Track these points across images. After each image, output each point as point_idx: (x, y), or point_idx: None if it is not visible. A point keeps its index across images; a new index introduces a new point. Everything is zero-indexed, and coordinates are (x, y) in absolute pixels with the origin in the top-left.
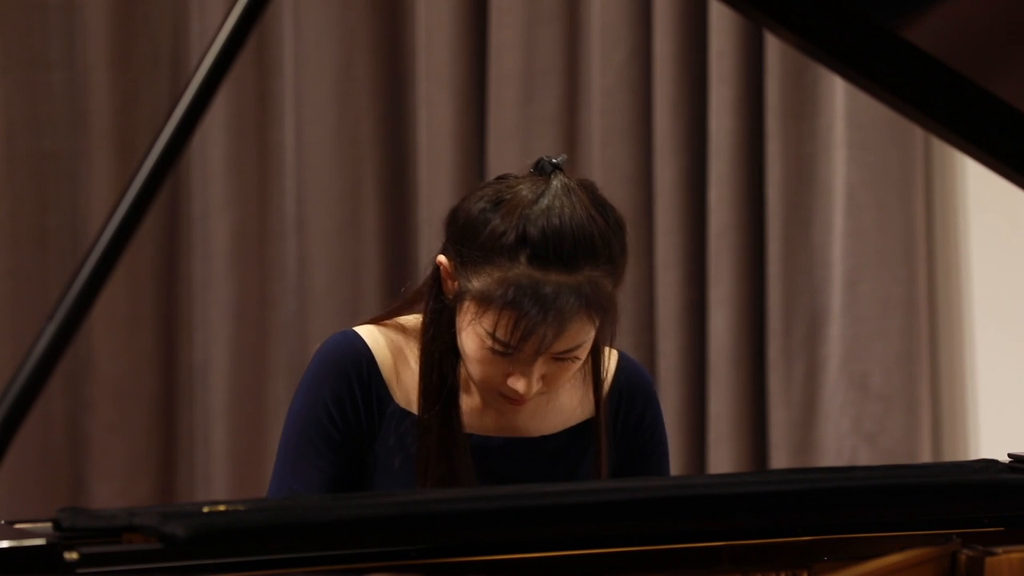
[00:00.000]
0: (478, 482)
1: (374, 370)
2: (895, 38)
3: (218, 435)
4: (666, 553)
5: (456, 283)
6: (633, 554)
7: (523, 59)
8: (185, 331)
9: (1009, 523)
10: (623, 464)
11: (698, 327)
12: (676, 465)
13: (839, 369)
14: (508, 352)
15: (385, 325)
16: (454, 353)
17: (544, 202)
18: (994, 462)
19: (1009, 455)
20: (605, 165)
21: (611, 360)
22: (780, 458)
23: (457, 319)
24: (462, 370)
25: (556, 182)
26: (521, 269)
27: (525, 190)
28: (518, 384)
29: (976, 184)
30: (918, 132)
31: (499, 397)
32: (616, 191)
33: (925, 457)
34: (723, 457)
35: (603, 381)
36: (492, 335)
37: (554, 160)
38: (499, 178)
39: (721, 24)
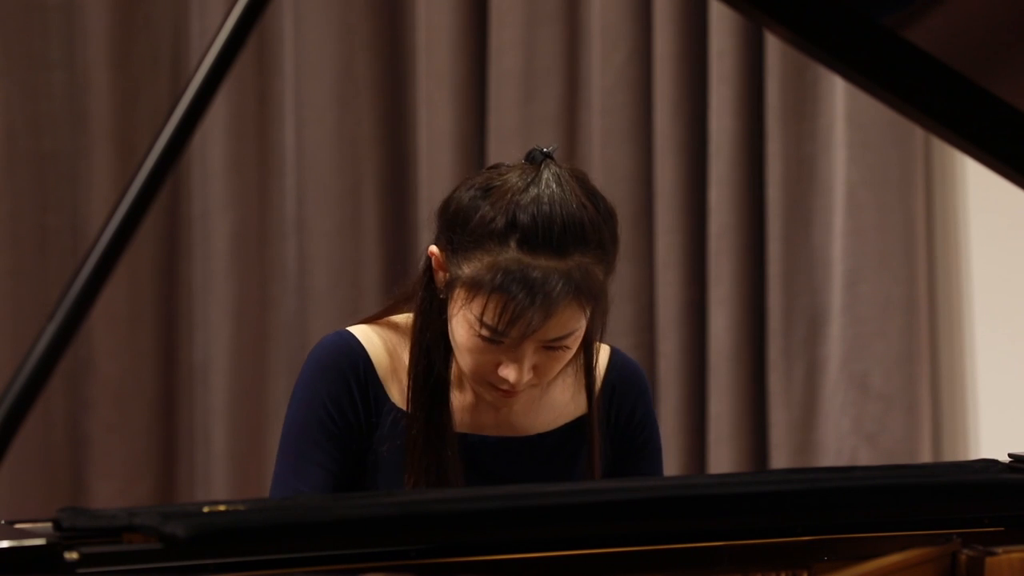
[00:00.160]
0: (471, 481)
1: (370, 369)
2: (895, 38)
3: (218, 435)
4: (666, 553)
5: (447, 272)
6: (633, 554)
7: (523, 59)
8: (185, 331)
9: (1009, 523)
10: (615, 460)
11: (698, 327)
12: (676, 465)
13: (839, 369)
14: (497, 338)
15: (379, 324)
16: (444, 345)
17: (535, 189)
18: (994, 462)
19: (1009, 455)
20: (605, 165)
21: (603, 356)
22: (780, 458)
23: (448, 309)
24: (455, 366)
25: (546, 170)
26: (511, 254)
27: (515, 178)
28: (508, 373)
29: (976, 184)
30: (918, 132)
31: (491, 389)
32: (616, 191)
33: (925, 457)
34: (723, 457)
35: (595, 377)
36: (481, 320)
37: (545, 150)
38: (489, 168)
39: (721, 24)
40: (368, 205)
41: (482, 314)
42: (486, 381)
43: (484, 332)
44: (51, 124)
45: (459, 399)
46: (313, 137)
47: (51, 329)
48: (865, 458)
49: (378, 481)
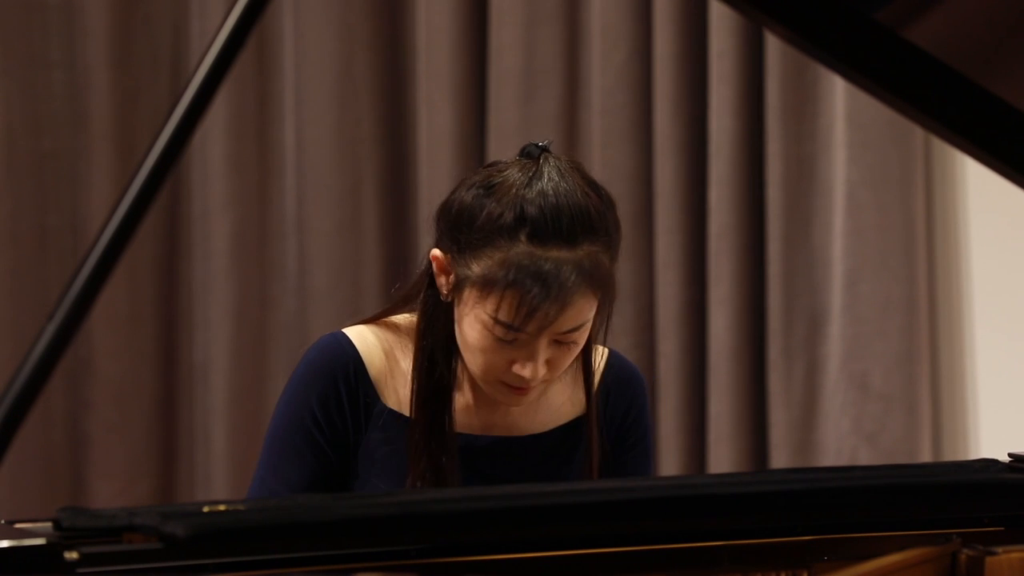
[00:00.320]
0: (467, 481)
1: (361, 371)
2: (895, 38)
3: (218, 435)
4: (666, 553)
5: (452, 275)
6: (633, 554)
7: (523, 59)
8: (185, 331)
9: (1009, 523)
10: (608, 458)
11: (698, 327)
12: (676, 465)
13: (839, 369)
14: (512, 336)
15: (376, 325)
16: (448, 348)
17: (538, 182)
18: (994, 462)
19: (1009, 455)
20: (605, 165)
21: (601, 357)
22: (780, 458)
23: (456, 311)
24: (458, 368)
25: (546, 163)
26: (521, 248)
27: (517, 173)
28: (524, 370)
29: (976, 184)
30: (918, 132)
31: (502, 388)
32: (616, 191)
33: (925, 457)
34: (723, 457)
35: (593, 377)
36: (495, 319)
37: (541, 144)
38: (486, 166)
39: (721, 24)
40: (368, 205)
41: (496, 311)
42: (499, 381)
43: (499, 330)
44: (51, 124)
45: (457, 400)
46: (313, 137)
47: (51, 329)
48: (865, 458)
49: (371, 482)
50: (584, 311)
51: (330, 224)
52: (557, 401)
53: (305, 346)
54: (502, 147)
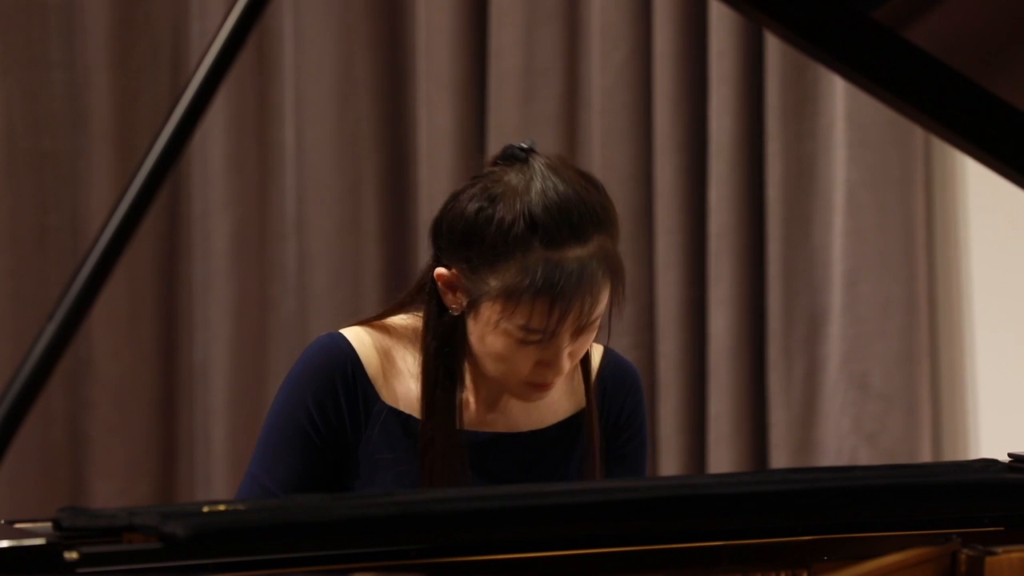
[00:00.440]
0: (469, 480)
1: (359, 370)
2: (895, 38)
3: (218, 435)
4: (666, 553)
5: (464, 292)
6: (633, 554)
7: (523, 59)
8: (185, 331)
9: (1009, 523)
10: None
11: (698, 327)
12: (676, 465)
13: (839, 369)
14: (544, 339)
15: (373, 326)
16: (453, 356)
17: (537, 184)
18: (994, 462)
19: (1009, 455)
20: (605, 165)
21: (596, 355)
22: (780, 458)
23: (473, 326)
24: (463, 369)
25: (537, 163)
26: (538, 253)
27: (513, 179)
28: (552, 368)
29: (976, 184)
30: (918, 132)
31: (526, 388)
32: (616, 191)
33: (925, 457)
34: (723, 457)
35: (591, 374)
36: (526, 327)
37: (524, 145)
38: (475, 178)
39: (721, 24)
40: (368, 205)
41: (528, 320)
42: (524, 381)
43: (530, 337)
44: (51, 124)
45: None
46: (313, 137)
47: (51, 329)
48: (865, 458)
49: (375, 481)
50: (604, 300)
51: (330, 224)
52: (555, 397)
53: (305, 346)
54: (502, 147)
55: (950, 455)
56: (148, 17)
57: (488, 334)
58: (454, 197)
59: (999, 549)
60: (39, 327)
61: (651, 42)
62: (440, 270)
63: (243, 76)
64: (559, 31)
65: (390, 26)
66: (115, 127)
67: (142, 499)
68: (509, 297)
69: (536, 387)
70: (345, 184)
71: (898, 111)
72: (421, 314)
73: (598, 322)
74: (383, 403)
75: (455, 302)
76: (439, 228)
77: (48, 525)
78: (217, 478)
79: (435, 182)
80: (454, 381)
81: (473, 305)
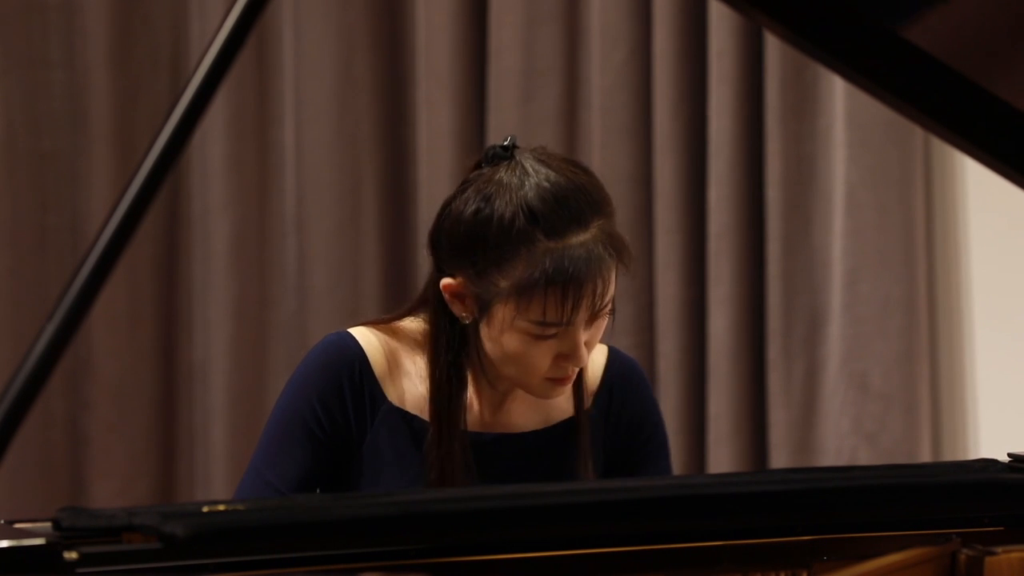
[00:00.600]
0: (469, 478)
1: (367, 369)
2: (895, 38)
3: (218, 435)
4: (666, 553)
5: (474, 298)
6: (633, 554)
7: (523, 59)
8: (185, 331)
9: (1009, 523)
10: (622, 458)
11: (698, 327)
12: (676, 465)
13: (839, 369)
14: (559, 331)
15: (379, 327)
16: (459, 361)
17: (529, 178)
18: (994, 462)
19: (1009, 455)
20: (605, 165)
21: (600, 355)
22: (780, 458)
23: (486, 331)
24: (466, 372)
25: (523, 158)
26: (543, 246)
27: (504, 176)
28: (572, 359)
29: (976, 184)
30: (918, 132)
31: (546, 384)
32: (616, 191)
33: (925, 457)
34: (723, 457)
35: (584, 377)
36: (542, 321)
37: (504, 143)
38: (465, 183)
39: (721, 24)
40: (368, 205)
41: (543, 313)
42: (544, 378)
43: (547, 331)
44: (51, 124)
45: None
46: (313, 137)
47: (51, 329)
48: (865, 458)
49: (381, 480)
50: (613, 282)
51: (330, 224)
52: (557, 398)
53: (305, 346)
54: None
55: (950, 455)
56: (148, 17)
57: (504, 335)
58: (447, 205)
59: (999, 549)
60: (39, 327)
61: (651, 42)
62: (446, 281)
63: (243, 76)
64: (559, 31)
65: (390, 26)
66: (115, 127)
67: (142, 499)
68: (521, 294)
69: (557, 382)
70: (345, 184)
71: (898, 111)
72: (427, 317)
73: (610, 306)
74: (390, 403)
75: (465, 310)
76: (437, 239)
77: (48, 525)
78: (217, 478)
79: (435, 182)
80: (461, 386)
81: (485, 309)
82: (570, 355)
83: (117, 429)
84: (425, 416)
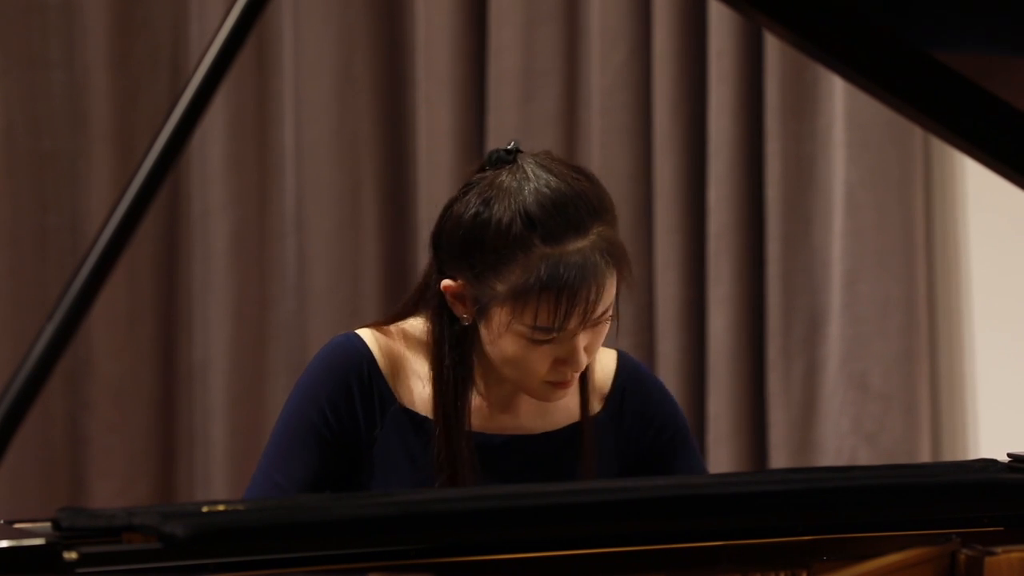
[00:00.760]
0: (480, 481)
1: (375, 371)
2: (894, 38)
3: (218, 435)
4: (666, 553)
5: (472, 301)
6: (633, 554)
7: (523, 59)
8: (185, 331)
9: (1009, 523)
10: (645, 456)
11: (698, 327)
12: None
13: (838, 369)
14: (554, 336)
15: (382, 330)
16: (465, 362)
17: (529, 183)
18: (994, 462)
19: (1009, 455)
20: (605, 165)
21: (610, 360)
22: (780, 458)
23: (485, 332)
24: (474, 374)
25: (525, 162)
26: (539, 251)
27: (505, 180)
28: (569, 364)
29: (976, 184)
30: (918, 132)
31: (545, 388)
32: (616, 191)
33: (925, 457)
34: (723, 457)
35: (590, 381)
36: (535, 326)
37: (508, 147)
38: (467, 186)
39: (721, 24)
40: (368, 205)
41: (536, 319)
42: (543, 382)
43: (540, 335)
44: (51, 124)
45: (471, 402)
46: (313, 137)
47: (50, 329)
48: (865, 458)
49: (391, 481)
50: (612, 290)
51: (330, 224)
52: (565, 400)
53: (305, 346)
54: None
55: (949, 455)
56: (148, 17)
57: (501, 338)
58: (448, 207)
59: (999, 549)
60: (39, 327)
61: (651, 42)
62: (446, 282)
63: (243, 76)
64: (559, 31)
65: (390, 26)
66: (115, 127)
67: (142, 499)
68: (516, 298)
69: (556, 386)
70: (345, 184)
71: (898, 111)
72: (428, 316)
73: (610, 313)
74: (398, 404)
75: (465, 312)
76: (439, 240)
77: (48, 525)
78: (217, 478)
79: (435, 182)
80: (466, 387)
81: (483, 312)
82: (568, 360)
83: (117, 429)
84: (432, 417)
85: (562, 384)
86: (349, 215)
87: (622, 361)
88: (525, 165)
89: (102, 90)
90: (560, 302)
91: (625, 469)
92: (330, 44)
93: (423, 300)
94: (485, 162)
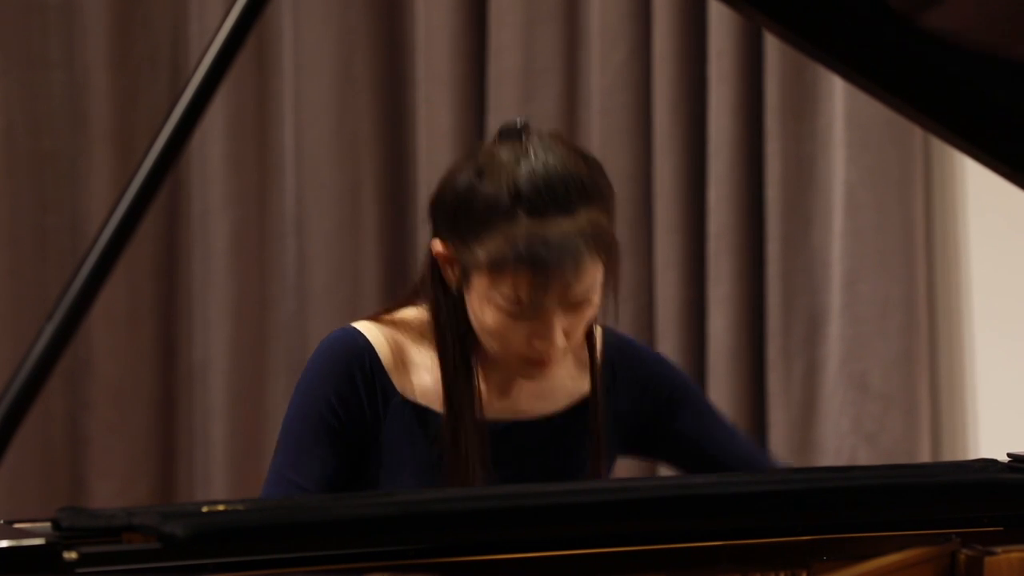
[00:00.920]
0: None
1: (376, 363)
2: (894, 38)
3: (218, 435)
4: (666, 553)
5: (459, 265)
6: (633, 554)
7: (523, 59)
8: (185, 331)
9: (1009, 523)
10: (649, 419)
11: (698, 327)
12: None
13: (838, 369)
14: (529, 312)
15: (383, 321)
16: (465, 340)
17: (526, 159)
18: (994, 462)
19: (1009, 455)
20: (605, 165)
21: (596, 336)
22: (780, 458)
23: (469, 300)
24: (476, 356)
25: (530, 140)
26: (522, 225)
27: (504, 153)
28: (544, 343)
29: (976, 184)
30: (918, 132)
31: (524, 364)
32: (616, 191)
33: (925, 457)
34: None
35: (596, 355)
36: (511, 299)
37: (519, 123)
38: (470, 154)
39: (721, 24)
40: (368, 205)
41: (512, 291)
42: (521, 357)
43: (515, 309)
44: (51, 124)
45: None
46: (313, 137)
47: (50, 329)
48: (864, 458)
49: (402, 475)
50: (594, 275)
51: (330, 224)
52: (563, 381)
53: (305, 346)
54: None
55: (949, 455)
56: (147, 17)
57: (480, 307)
58: (449, 173)
59: (999, 549)
60: (39, 327)
61: (651, 42)
62: (436, 244)
63: (243, 76)
64: (559, 31)
65: (390, 26)
66: (114, 127)
67: (141, 499)
68: (493, 267)
69: (534, 363)
70: (345, 184)
71: (898, 111)
72: (427, 306)
73: (593, 300)
74: (400, 396)
75: (452, 276)
76: (435, 202)
77: (47, 525)
78: (217, 478)
79: (435, 182)
80: (471, 370)
81: (466, 278)
82: (544, 337)
83: (117, 429)
84: (436, 407)
85: (539, 363)
86: (349, 215)
87: (608, 337)
88: (528, 143)
89: (102, 90)
90: (536, 279)
91: (630, 443)
92: (330, 44)
93: (423, 290)
94: (497, 134)
